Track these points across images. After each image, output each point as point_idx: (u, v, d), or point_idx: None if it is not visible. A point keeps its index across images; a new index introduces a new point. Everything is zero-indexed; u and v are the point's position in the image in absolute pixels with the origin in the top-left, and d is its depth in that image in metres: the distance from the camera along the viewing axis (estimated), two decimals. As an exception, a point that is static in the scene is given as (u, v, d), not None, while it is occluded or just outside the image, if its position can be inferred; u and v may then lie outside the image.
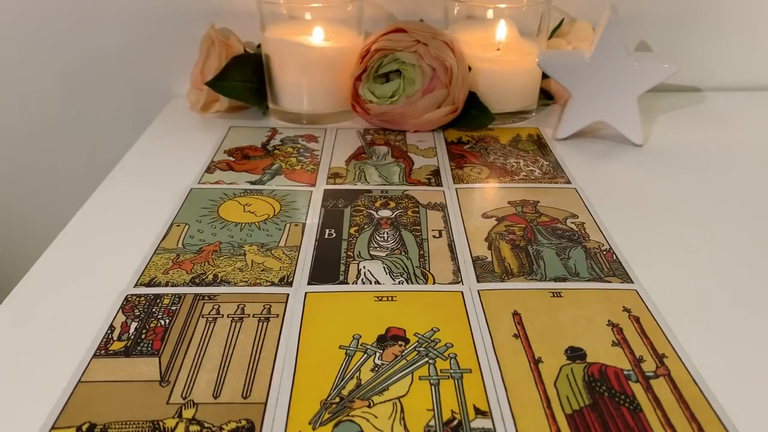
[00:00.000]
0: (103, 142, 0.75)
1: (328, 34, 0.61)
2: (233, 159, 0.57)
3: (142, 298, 0.38)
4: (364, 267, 0.41)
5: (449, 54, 0.58)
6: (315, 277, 0.40)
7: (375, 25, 0.66)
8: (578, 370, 0.33)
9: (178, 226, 0.46)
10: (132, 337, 0.35)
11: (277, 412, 0.30)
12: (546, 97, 0.68)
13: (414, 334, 0.35)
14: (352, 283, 0.40)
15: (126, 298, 0.38)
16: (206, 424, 0.30)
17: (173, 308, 0.37)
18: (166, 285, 0.40)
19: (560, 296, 0.39)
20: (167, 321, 0.36)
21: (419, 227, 0.46)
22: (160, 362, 0.33)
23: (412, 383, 0.32)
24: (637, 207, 0.49)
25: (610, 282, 0.40)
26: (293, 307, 0.38)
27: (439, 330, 0.36)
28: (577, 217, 0.47)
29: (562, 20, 0.69)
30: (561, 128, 0.60)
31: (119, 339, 0.35)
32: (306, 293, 0.39)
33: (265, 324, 0.36)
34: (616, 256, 0.42)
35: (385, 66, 0.59)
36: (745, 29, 0.72)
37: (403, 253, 0.43)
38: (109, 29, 0.70)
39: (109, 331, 0.36)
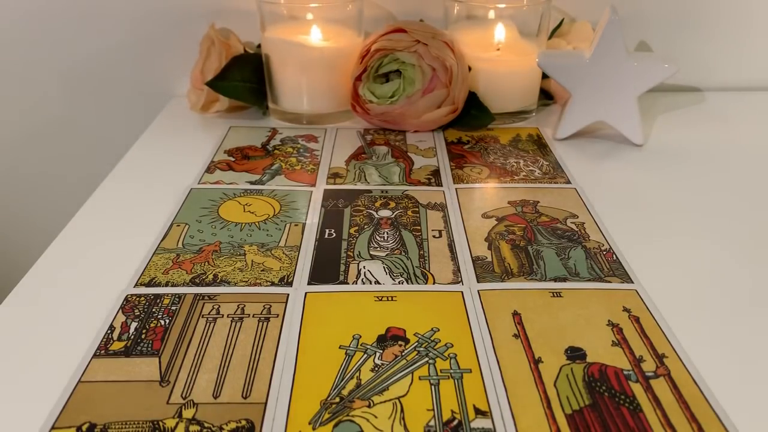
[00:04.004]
0: (103, 142, 0.75)
1: (328, 34, 0.61)
2: (233, 159, 0.57)
3: (142, 298, 0.38)
4: (364, 267, 0.41)
5: (449, 54, 0.58)
6: (315, 277, 0.40)
7: (375, 25, 0.66)
8: (578, 370, 0.33)
9: (178, 226, 0.46)
10: (132, 337, 0.35)
11: (277, 412, 0.30)
12: (546, 97, 0.68)
13: (414, 334, 0.35)
14: (352, 283, 0.40)
15: (126, 298, 0.38)
16: (206, 424, 0.30)
17: (173, 308, 0.37)
18: (166, 285, 0.40)
19: (560, 296, 0.39)
20: (167, 321, 0.36)
21: (419, 227, 0.46)
22: (160, 362, 0.33)
23: (412, 383, 0.32)
24: (637, 207, 0.49)
25: (610, 282, 0.40)
26: (293, 307, 0.38)
27: (439, 330, 0.36)
28: (577, 217, 0.47)
29: (562, 20, 0.69)
30: (561, 128, 0.60)
31: (119, 339, 0.35)
32: (306, 293, 0.39)
33: (265, 324, 0.36)
34: (616, 256, 0.43)
35: (385, 66, 0.59)
36: (745, 29, 0.72)
37: (403, 253, 0.43)
38: (109, 29, 0.70)
39: (109, 331, 0.36)
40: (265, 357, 0.34)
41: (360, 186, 0.52)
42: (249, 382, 0.32)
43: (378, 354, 0.34)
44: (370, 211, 0.48)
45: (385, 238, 0.45)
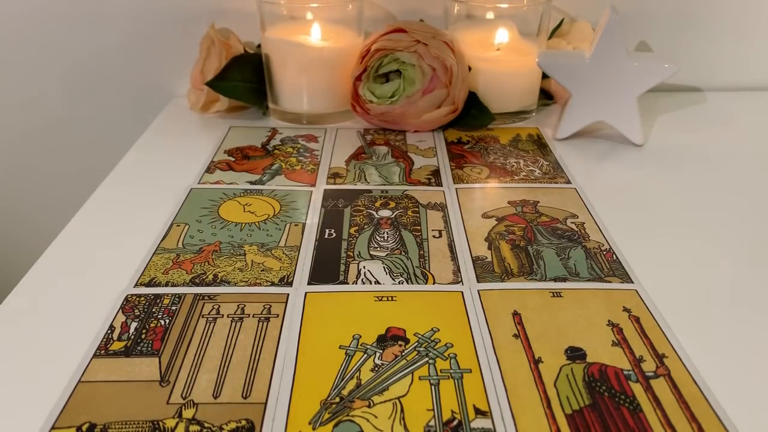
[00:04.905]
0: (104, 142, 0.75)
1: (328, 34, 0.61)
2: (233, 159, 0.57)
3: (142, 298, 0.38)
4: (364, 267, 0.41)
5: (449, 54, 0.58)
6: (315, 277, 0.40)
7: (375, 25, 0.66)
8: (578, 370, 0.33)
9: (178, 226, 0.46)
10: (132, 337, 0.35)
11: (277, 412, 0.30)
12: (546, 97, 0.68)
13: (414, 334, 0.35)
14: (352, 283, 0.40)
15: (126, 298, 0.38)
16: (206, 424, 0.30)
17: (173, 308, 0.37)
18: (166, 285, 0.40)
19: (560, 296, 0.39)
20: (167, 321, 0.36)
21: (419, 227, 0.46)
22: (160, 362, 0.33)
23: (412, 383, 0.32)
24: (637, 207, 0.49)
25: (610, 282, 0.40)
26: (293, 307, 0.38)
27: (439, 330, 0.36)
28: (577, 217, 0.47)
29: (562, 20, 0.69)
30: (561, 128, 0.60)
31: (119, 339, 0.35)
32: (306, 293, 0.39)
33: (265, 324, 0.36)
34: (616, 256, 0.42)
35: (385, 66, 0.59)
36: (745, 29, 0.72)
37: (403, 253, 0.43)
38: (109, 29, 0.70)
39: (109, 331, 0.36)
40: (265, 357, 0.34)
41: (360, 186, 0.52)
42: (249, 382, 0.32)
43: (378, 354, 0.34)
44: (370, 211, 0.48)
45: (385, 238, 0.45)
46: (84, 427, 0.30)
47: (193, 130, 0.63)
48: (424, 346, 0.35)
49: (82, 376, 0.33)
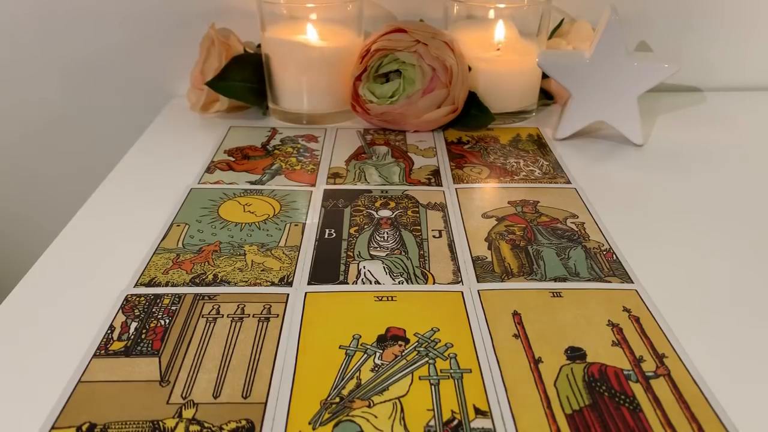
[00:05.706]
0: (103, 142, 0.75)
1: (328, 33, 0.61)
2: (233, 159, 0.57)
3: (142, 298, 0.38)
4: (364, 267, 0.41)
5: (449, 54, 0.58)
6: (315, 277, 0.40)
7: (375, 25, 0.66)
8: (578, 370, 0.33)
9: (178, 226, 0.46)
10: (132, 337, 0.35)
11: (277, 412, 0.30)
12: (546, 97, 0.68)
13: (414, 334, 0.35)
14: (352, 283, 0.40)
15: (126, 298, 0.38)
16: (206, 424, 0.30)
17: (173, 308, 0.37)
18: (166, 285, 0.40)
19: (560, 296, 0.39)
20: (167, 321, 0.36)
21: (419, 227, 0.46)
22: (160, 362, 0.33)
23: (412, 383, 0.32)
24: (637, 207, 0.49)
25: (610, 282, 0.40)
26: (293, 307, 0.38)
27: (439, 330, 0.36)
28: (577, 217, 0.47)
29: (562, 20, 0.69)
30: (561, 128, 0.60)
31: (119, 339, 0.35)
32: (306, 293, 0.39)
33: (265, 324, 0.36)
34: (616, 256, 0.43)
35: (385, 66, 0.59)
36: (745, 29, 0.72)
37: (403, 253, 0.43)
38: (109, 29, 0.70)
39: (109, 331, 0.36)
40: (265, 357, 0.34)
41: (360, 186, 0.52)
42: (249, 382, 0.32)
43: (378, 354, 0.34)
44: (370, 211, 0.48)
45: (385, 238, 0.45)
46: (84, 427, 0.30)
47: (193, 130, 0.63)
48: (424, 346, 0.35)
49: (82, 376, 0.33)
